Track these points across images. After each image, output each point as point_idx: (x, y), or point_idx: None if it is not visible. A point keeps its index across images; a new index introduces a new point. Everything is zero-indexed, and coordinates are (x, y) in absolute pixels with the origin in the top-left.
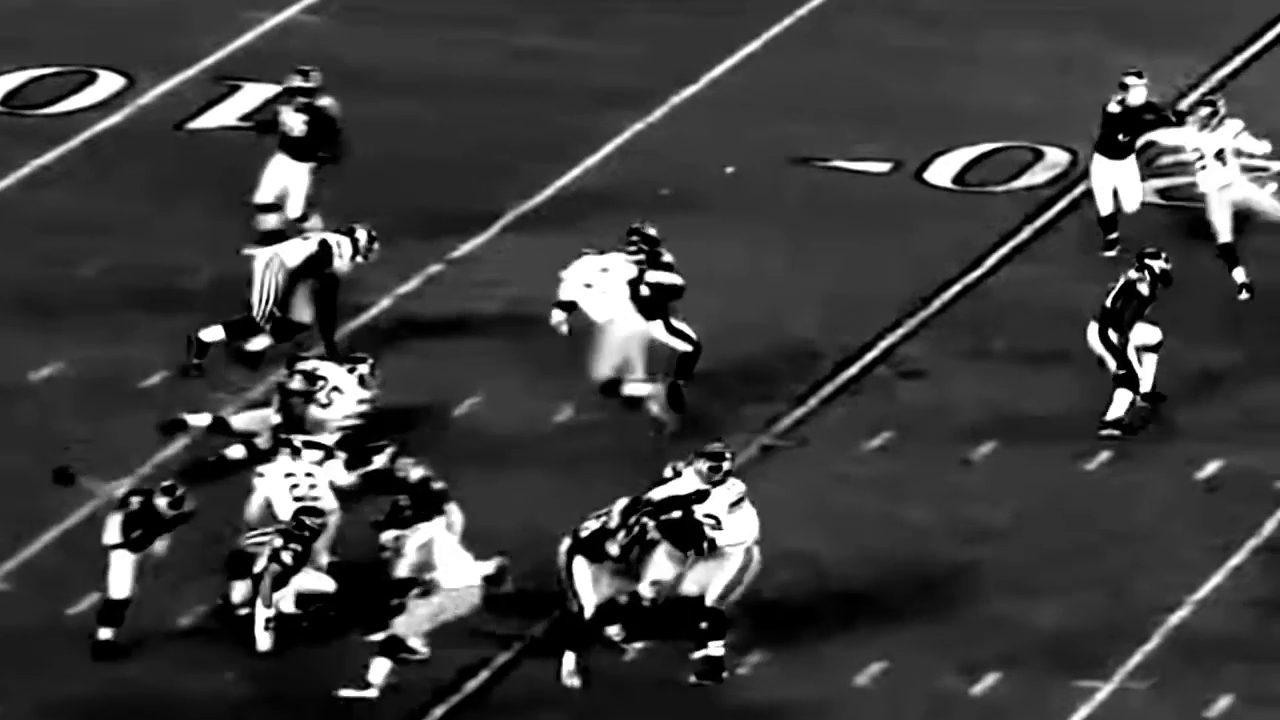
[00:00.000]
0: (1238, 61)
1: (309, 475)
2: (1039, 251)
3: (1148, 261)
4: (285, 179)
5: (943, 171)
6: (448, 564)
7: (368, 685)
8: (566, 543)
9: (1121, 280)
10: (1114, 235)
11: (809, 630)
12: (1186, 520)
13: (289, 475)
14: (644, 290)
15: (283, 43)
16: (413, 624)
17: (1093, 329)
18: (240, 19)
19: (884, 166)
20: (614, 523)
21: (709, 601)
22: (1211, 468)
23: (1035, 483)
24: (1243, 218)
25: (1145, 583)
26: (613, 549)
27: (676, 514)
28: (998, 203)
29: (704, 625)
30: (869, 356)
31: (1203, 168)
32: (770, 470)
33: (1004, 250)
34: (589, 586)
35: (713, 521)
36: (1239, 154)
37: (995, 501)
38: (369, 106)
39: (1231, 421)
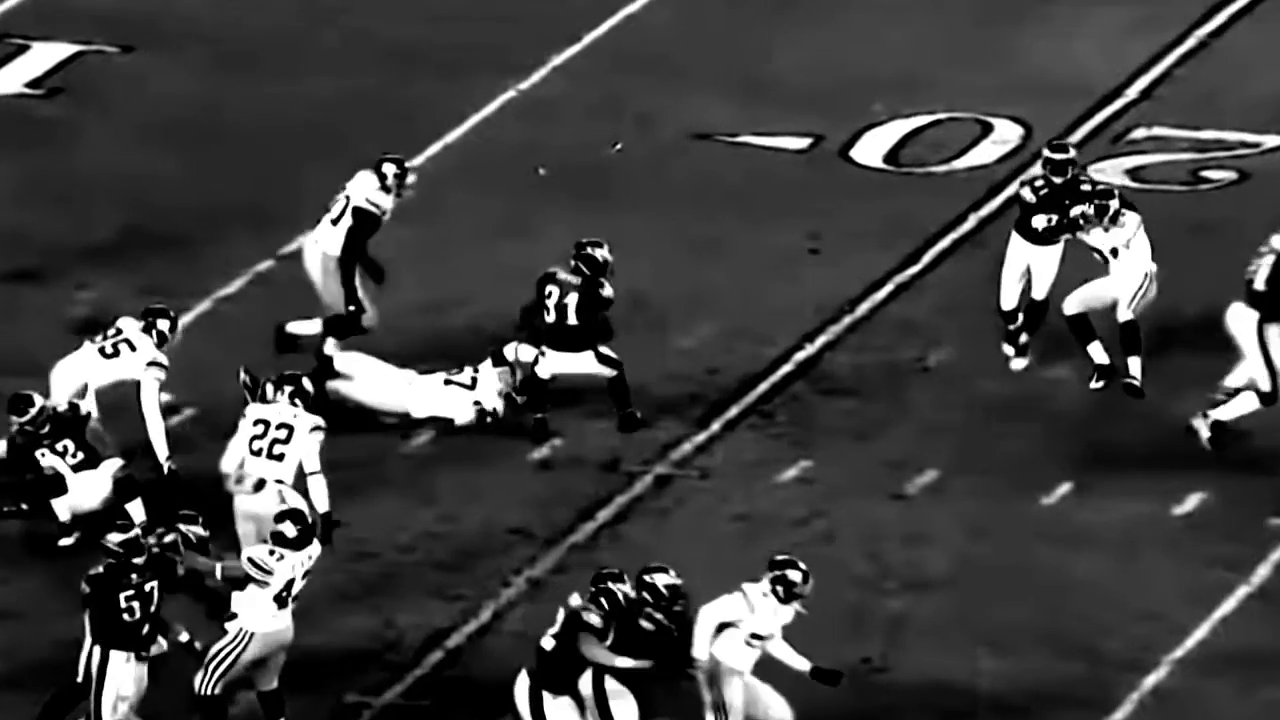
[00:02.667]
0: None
1: (283, 426)
2: (987, 243)
3: None
4: None
5: (871, 149)
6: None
7: None
8: (523, 679)
9: (1273, 255)
10: (1021, 336)
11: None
12: (1161, 563)
13: (259, 422)
14: (571, 320)
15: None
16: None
17: (1243, 315)
18: None
19: (801, 143)
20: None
21: None
22: (1191, 502)
23: (984, 520)
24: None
25: (1114, 639)
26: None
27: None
28: (937, 185)
29: None
30: (782, 370)
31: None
32: (667, 505)
33: (945, 241)
34: None
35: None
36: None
37: (933, 543)
38: (184, 73)
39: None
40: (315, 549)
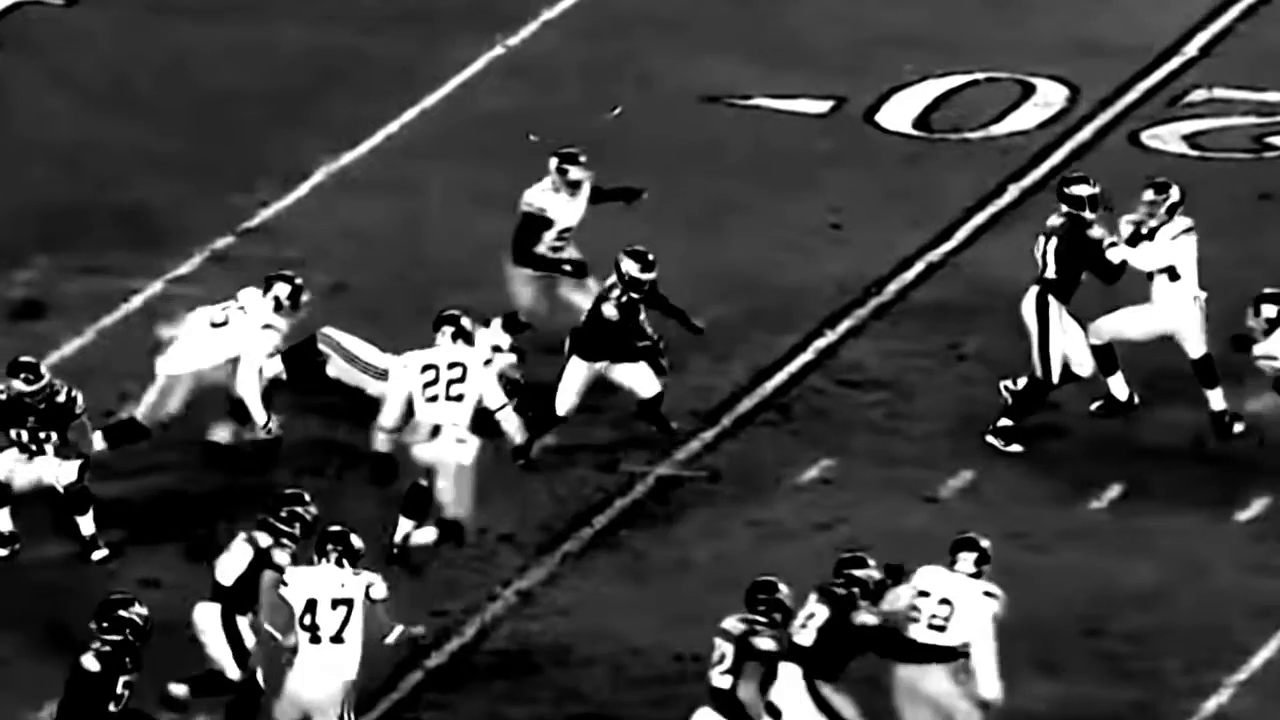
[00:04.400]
0: None
1: (455, 366)
2: (1028, 216)
3: None
4: None
5: (900, 112)
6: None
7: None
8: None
9: None
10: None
11: None
12: (1223, 574)
13: (428, 368)
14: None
15: None
16: None
17: None
18: None
19: (822, 106)
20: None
21: None
22: (1257, 507)
23: (1024, 526)
24: None
25: (1171, 659)
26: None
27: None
28: (973, 153)
29: None
30: (800, 360)
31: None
32: (671, 510)
33: (980, 217)
34: None
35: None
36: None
37: None
38: (135, 28)
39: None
40: (356, 579)
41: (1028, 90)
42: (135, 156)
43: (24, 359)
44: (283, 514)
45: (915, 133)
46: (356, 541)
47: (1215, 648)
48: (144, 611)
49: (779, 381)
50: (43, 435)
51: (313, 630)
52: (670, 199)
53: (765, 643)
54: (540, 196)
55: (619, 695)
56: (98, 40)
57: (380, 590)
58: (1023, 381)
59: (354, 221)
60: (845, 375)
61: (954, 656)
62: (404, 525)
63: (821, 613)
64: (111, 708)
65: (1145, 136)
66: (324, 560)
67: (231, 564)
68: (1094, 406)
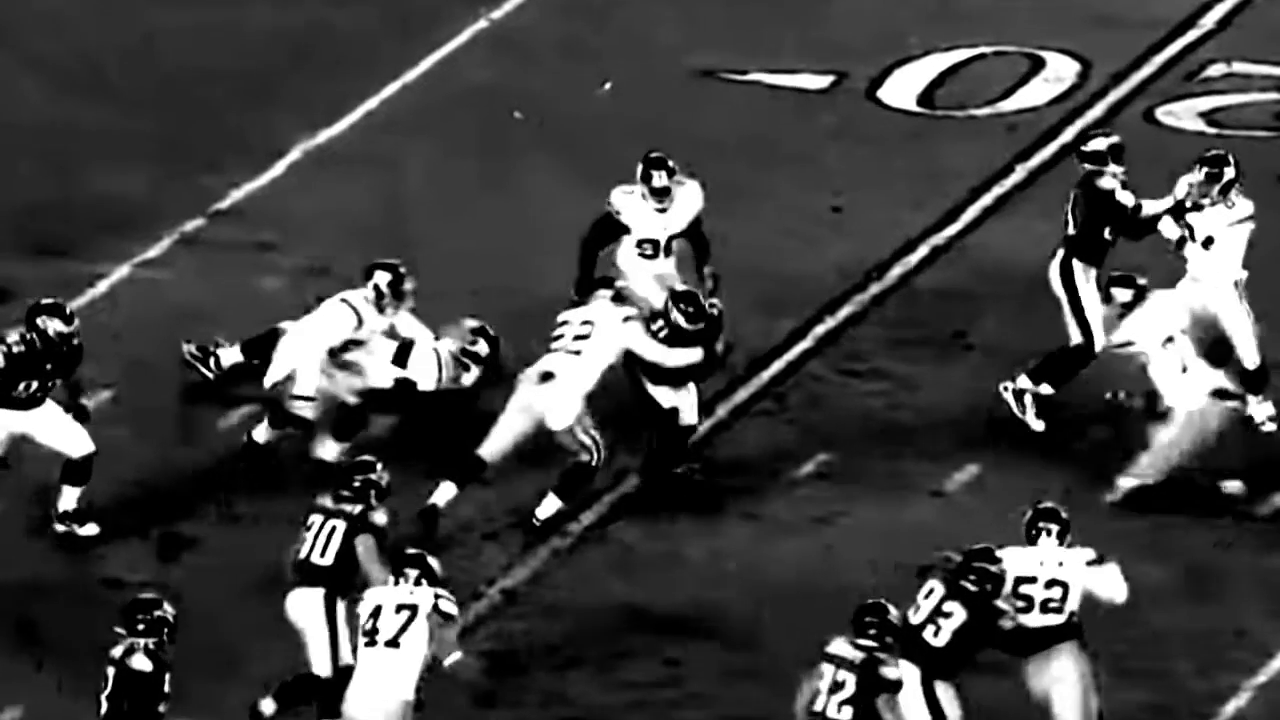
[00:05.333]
0: None
1: (587, 324)
2: (1035, 199)
3: None
4: None
5: (903, 88)
6: None
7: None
8: None
9: None
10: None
11: None
12: (1243, 570)
13: (563, 323)
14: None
15: None
16: None
17: None
18: None
19: (821, 81)
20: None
21: None
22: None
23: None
24: None
25: (1187, 660)
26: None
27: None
28: (980, 130)
29: None
30: (798, 347)
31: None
32: (662, 504)
33: (987, 198)
34: None
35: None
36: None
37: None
38: (106, 9)
39: None
40: (424, 590)
41: (1037, 64)
42: (104, 139)
43: (52, 300)
44: (355, 484)
45: (919, 109)
46: (435, 564)
47: (1231, 648)
48: (173, 610)
49: (775, 370)
50: (50, 385)
51: (371, 635)
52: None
53: (893, 671)
54: (621, 197)
55: (607, 698)
56: (66, 22)
57: (450, 607)
58: (1024, 379)
59: (332, 201)
60: (845, 364)
61: (1076, 633)
62: (549, 503)
63: (959, 614)
64: (161, 708)
65: (1160, 113)
66: (401, 582)
67: (324, 542)
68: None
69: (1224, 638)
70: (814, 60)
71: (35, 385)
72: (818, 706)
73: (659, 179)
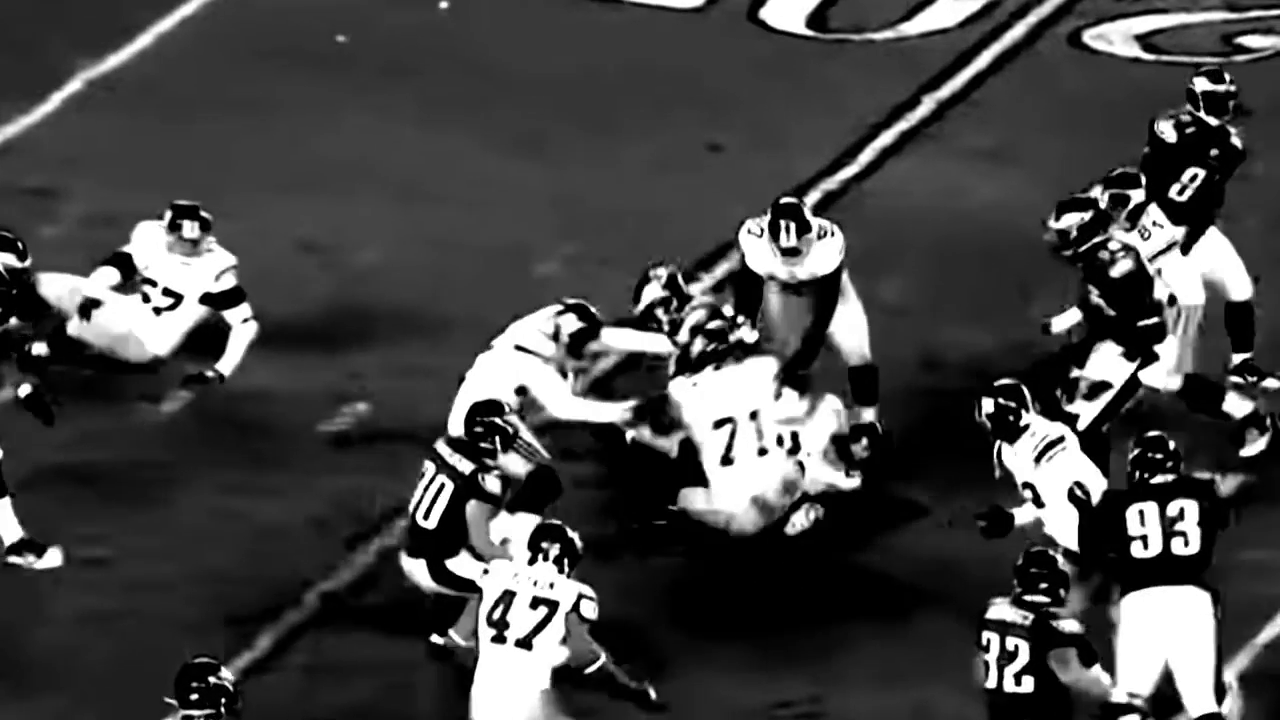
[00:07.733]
0: None
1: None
2: (944, 136)
3: None
4: None
5: (789, 7)
6: None
7: None
8: None
9: None
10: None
11: None
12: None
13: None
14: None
15: None
16: None
17: None
18: None
19: (696, 0)
20: None
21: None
22: None
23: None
24: None
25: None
26: None
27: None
28: (880, 57)
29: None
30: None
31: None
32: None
33: (888, 136)
34: None
35: None
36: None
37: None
38: None
39: None
40: (569, 584)
41: None
42: None
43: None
44: (476, 428)
45: (809, 32)
46: (578, 541)
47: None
48: (232, 676)
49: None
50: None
51: (499, 628)
52: (507, 120)
53: (1070, 624)
54: (750, 239)
55: (601, 699)
56: None
57: (591, 610)
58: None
59: (114, 140)
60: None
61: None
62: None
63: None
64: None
65: (1089, 36)
66: (538, 559)
67: (430, 501)
68: None
69: (1234, 641)
70: None
71: None
72: (990, 683)
73: (788, 240)
